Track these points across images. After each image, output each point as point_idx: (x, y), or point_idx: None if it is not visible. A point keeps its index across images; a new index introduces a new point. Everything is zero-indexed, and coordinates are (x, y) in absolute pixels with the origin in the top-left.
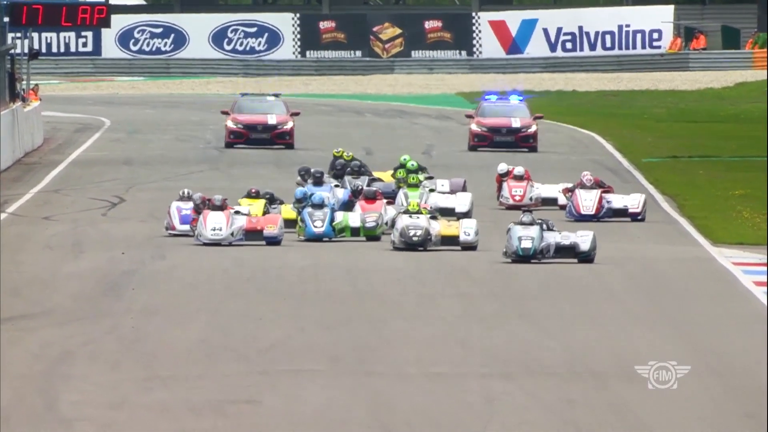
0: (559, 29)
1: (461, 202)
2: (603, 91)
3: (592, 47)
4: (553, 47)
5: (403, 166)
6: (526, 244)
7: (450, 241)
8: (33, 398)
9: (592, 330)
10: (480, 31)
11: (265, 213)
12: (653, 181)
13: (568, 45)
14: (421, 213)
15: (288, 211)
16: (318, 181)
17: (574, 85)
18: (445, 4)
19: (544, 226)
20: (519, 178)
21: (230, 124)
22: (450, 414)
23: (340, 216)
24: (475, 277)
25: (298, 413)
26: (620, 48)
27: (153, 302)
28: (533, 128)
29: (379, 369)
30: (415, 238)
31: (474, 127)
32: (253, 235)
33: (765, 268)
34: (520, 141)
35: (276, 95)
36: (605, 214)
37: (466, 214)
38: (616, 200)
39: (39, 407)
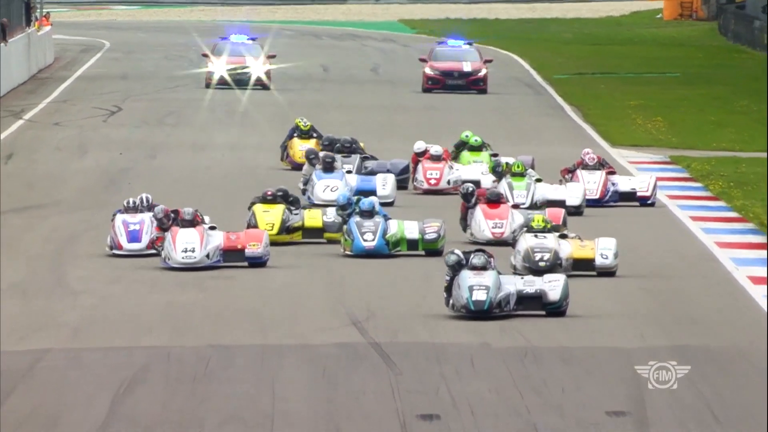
0: None
1: (573, 194)
2: (521, 18)
3: None
4: None
5: (465, 143)
6: (480, 295)
7: (583, 265)
8: (45, 274)
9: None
10: None
11: (283, 221)
12: (562, 94)
13: None
14: (550, 230)
15: (312, 218)
16: (328, 167)
17: (496, 14)
18: None
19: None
20: (436, 158)
21: (211, 67)
22: (394, 288)
23: (394, 225)
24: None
25: (266, 288)
26: None
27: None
28: (483, 72)
29: (335, 254)
30: (542, 264)
31: (427, 70)
32: (232, 255)
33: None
34: (470, 84)
35: (253, 39)
36: (611, 198)
37: (578, 208)
38: (623, 182)
39: (51, 282)
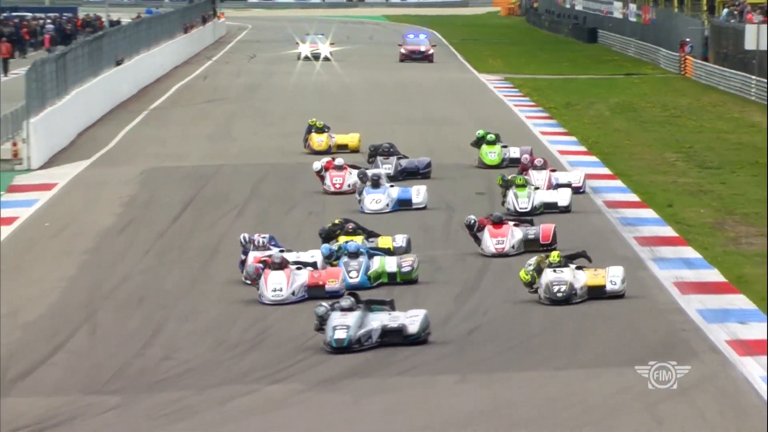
0: None
1: (562, 197)
2: (439, 15)
3: None
4: None
5: (481, 140)
6: (340, 334)
7: (596, 291)
8: (220, 130)
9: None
10: None
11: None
12: (456, 49)
13: None
14: (566, 266)
15: (384, 243)
16: (376, 184)
17: (427, 13)
18: None
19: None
20: (339, 168)
21: (300, 49)
22: None
23: (377, 262)
24: None
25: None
26: None
27: (268, 96)
28: (431, 51)
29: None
30: (559, 294)
31: (401, 50)
32: (315, 290)
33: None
34: (424, 58)
35: (322, 34)
36: (553, 189)
37: (567, 208)
38: (562, 177)
39: (222, 133)
